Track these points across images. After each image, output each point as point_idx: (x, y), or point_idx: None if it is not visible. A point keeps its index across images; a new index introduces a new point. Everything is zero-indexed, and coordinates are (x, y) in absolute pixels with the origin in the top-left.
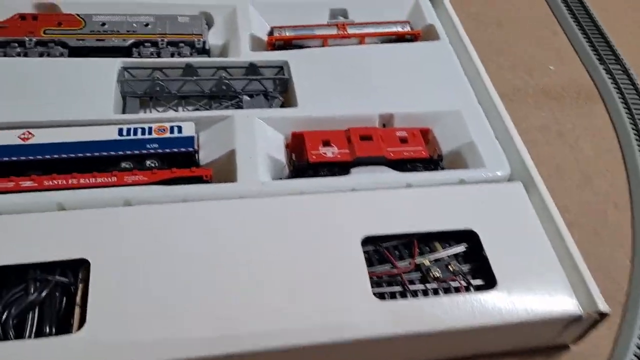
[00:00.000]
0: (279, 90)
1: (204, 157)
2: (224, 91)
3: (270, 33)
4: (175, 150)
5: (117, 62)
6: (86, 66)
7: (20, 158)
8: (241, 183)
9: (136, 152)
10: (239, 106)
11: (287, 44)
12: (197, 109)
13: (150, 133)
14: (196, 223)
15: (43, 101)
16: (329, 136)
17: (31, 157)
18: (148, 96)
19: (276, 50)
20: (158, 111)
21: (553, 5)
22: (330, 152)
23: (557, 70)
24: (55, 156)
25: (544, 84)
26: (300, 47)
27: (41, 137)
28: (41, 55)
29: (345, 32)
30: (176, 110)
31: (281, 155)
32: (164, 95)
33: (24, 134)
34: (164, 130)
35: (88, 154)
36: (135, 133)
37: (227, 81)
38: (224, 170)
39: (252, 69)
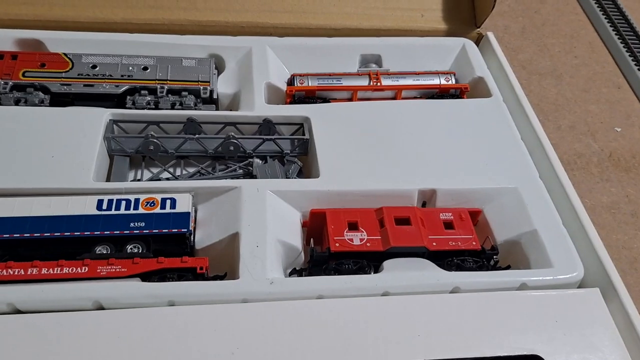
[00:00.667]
0: (297, 152)
1: (201, 238)
2: (232, 152)
3: (290, 82)
4: (165, 231)
5: (106, 114)
6: (68, 117)
7: None
8: (244, 281)
9: (116, 232)
10: (247, 171)
11: (309, 96)
12: (198, 173)
13: (136, 207)
14: (185, 336)
15: (9, 160)
16: (356, 216)
17: None
18: (140, 154)
19: (296, 103)
20: (151, 173)
21: (616, 54)
22: (357, 239)
23: (624, 132)
24: (16, 235)
25: (610, 149)
26: (325, 99)
27: (1, 208)
28: (17, 102)
29: (379, 84)
30: (173, 175)
31: (297, 239)
32: (158, 155)
33: None
34: (154, 203)
35: (56, 234)
36: (118, 207)
37: (235, 141)
38: (225, 259)
39: (266, 126)
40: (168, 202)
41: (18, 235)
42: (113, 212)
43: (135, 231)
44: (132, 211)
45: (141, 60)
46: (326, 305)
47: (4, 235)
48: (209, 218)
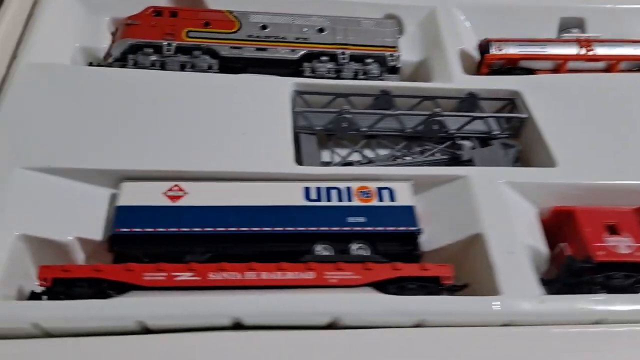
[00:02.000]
0: (507, 133)
1: (426, 240)
2: (434, 132)
3: (484, 49)
4: (392, 229)
5: (289, 83)
6: (248, 86)
7: (170, 230)
8: (509, 297)
9: (335, 229)
10: (453, 155)
11: (509, 66)
12: (393, 157)
13: (349, 198)
14: None
15: (192, 138)
16: (613, 217)
17: (186, 230)
18: (327, 133)
19: (493, 74)
20: (339, 156)
21: None
22: (623, 246)
23: None
24: (221, 229)
25: None
26: (529, 70)
27: (196, 195)
28: (183, 66)
29: (592, 53)
30: (366, 158)
31: (540, 243)
32: (348, 134)
33: (171, 189)
34: (369, 194)
35: (266, 229)
36: (328, 197)
37: (440, 118)
38: (463, 267)
39: (470, 101)
40: (386, 192)
41: (223, 229)
42: (325, 203)
43: (356, 228)
44: (347, 202)
45: (315, 21)
46: (622, 335)
47: (208, 229)
48: (429, 213)
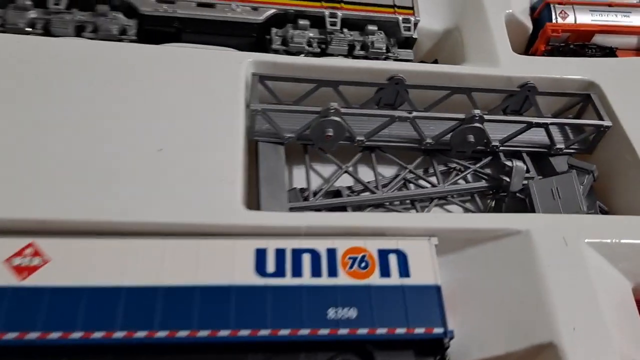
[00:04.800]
0: (577, 148)
1: (458, 348)
2: (468, 145)
3: (543, 16)
4: (402, 332)
5: (245, 62)
6: (177, 64)
7: (7, 339)
8: None
9: (304, 332)
10: (496, 182)
11: (578, 43)
12: (403, 181)
13: (333, 271)
14: None
15: (67, 159)
16: None
17: (38, 338)
18: (303, 142)
19: (555, 54)
20: (321, 178)
21: None
22: None
23: None
24: (100, 336)
25: None
26: (609, 50)
27: (63, 265)
28: (80, 30)
29: None
30: (366, 187)
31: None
32: (337, 145)
33: (21, 252)
34: (366, 262)
35: (182, 334)
36: (297, 268)
37: (480, 125)
38: None
39: (522, 96)
40: (393, 259)
41: (104, 335)
42: (290, 280)
43: (342, 330)
44: (328, 279)
45: None
46: None
47: (76, 336)
48: (461, 294)
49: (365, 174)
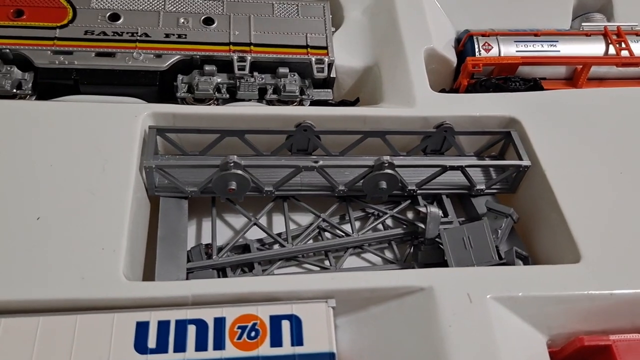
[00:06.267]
0: (499, 188)
1: None
2: (382, 191)
3: (464, 46)
4: None
5: (142, 115)
6: (67, 120)
7: None
8: None
9: None
10: (410, 230)
11: (502, 76)
12: (318, 230)
13: (220, 342)
14: None
15: None
16: None
17: None
18: (208, 195)
19: (478, 89)
20: (231, 229)
21: None
22: None
23: None
24: None
25: None
26: (534, 83)
27: None
28: None
29: (627, 52)
30: (275, 239)
31: None
32: (244, 196)
33: None
34: (256, 331)
35: None
36: (180, 342)
37: (393, 172)
38: None
39: (439, 137)
40: (285, 324)
41: None
42: (170, 355)
43: None
44: (212, 352)
45: (200, 5)
46: None
47: None
48: (360, 357)
49: (279, 223)
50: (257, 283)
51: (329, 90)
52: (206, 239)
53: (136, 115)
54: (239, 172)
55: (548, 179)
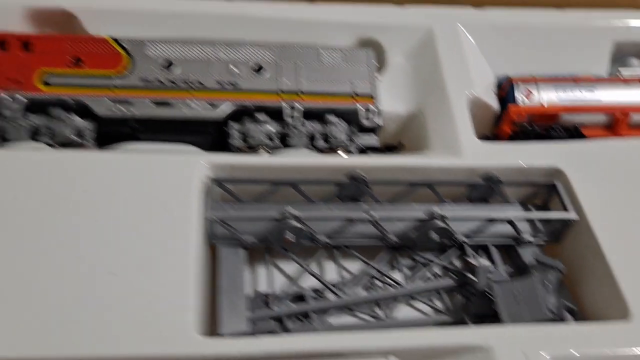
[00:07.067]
0: (543, 238)
1: None
2: (431, 242)
3: (507, 95)
4: None
5: (199, 165)
6: (129, 172)
7: None
8: None
9: None
10: (459, 281)
11: (543, 123)
12: (370, 278)
13: None
14: None
15: (25, 280)
16: None
17: None
18: (265, 244)
19: (520, 137)
20: (285, 276)
21: None
22: None
23: None
24: None
25: None
26: (575, 130)
27: None
28: (35, 134)
29: None
30: (329, 288)
31: None
32: (298, 244)
33: None
34: None
35: None
36: None
37: (445, 224)
38: None
39: (486, 187)
40: None
41: None
42: None
43: None
44: None
45: (249, 53)
46: None
47: None
48: None
49: (330, 269)
50: (323, 341)
51: (375, 136)
52: (258, 285)
53: (194, 167)
54: (296, 223)
55: (594, 232)
